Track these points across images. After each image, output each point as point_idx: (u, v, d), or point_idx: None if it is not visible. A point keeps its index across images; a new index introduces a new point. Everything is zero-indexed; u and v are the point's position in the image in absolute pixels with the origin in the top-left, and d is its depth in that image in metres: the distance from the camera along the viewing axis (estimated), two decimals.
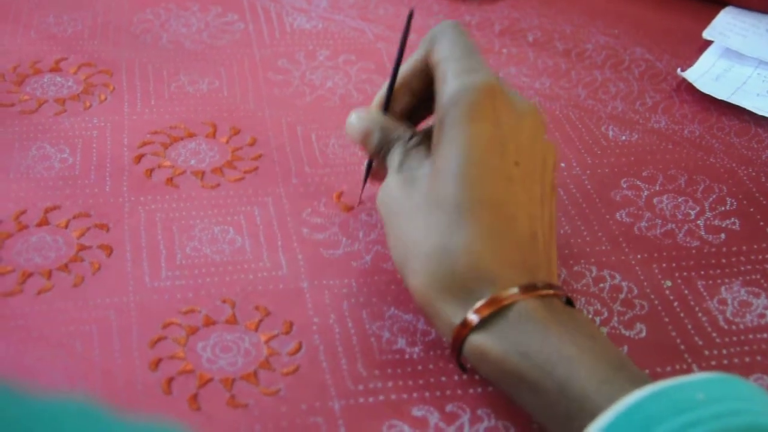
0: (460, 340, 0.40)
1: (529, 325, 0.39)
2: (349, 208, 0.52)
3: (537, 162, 0.44)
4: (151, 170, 0.54)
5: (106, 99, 0.60)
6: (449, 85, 0.43)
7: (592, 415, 0.35)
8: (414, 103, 0.49)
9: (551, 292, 0.40)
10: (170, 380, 0.42)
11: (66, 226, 0.50)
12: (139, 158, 0.55)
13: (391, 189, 0.44)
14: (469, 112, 0.42)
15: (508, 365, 0.39)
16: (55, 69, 0.63)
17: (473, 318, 0.39)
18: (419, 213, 0.42)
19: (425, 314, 0.42)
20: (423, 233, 0.41)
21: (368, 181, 0.50)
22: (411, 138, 0.45)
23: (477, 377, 0.43)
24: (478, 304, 0.40)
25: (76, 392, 0.41)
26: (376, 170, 0.50)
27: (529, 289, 0.40)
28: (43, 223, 0.50)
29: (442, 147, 0.42)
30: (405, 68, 0.48)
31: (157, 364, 0.43)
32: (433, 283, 0.41)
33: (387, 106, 0.48)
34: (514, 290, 0.40)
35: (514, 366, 0.38)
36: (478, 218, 0.41)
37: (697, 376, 0.35)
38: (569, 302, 0.42)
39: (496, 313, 0.39)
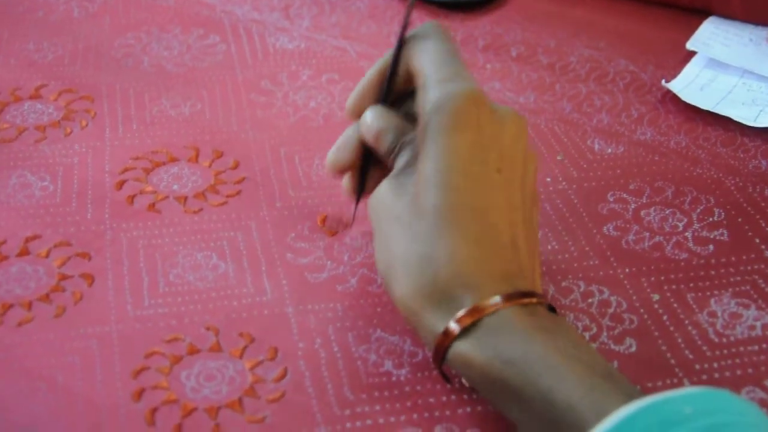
0: (442, 349, 0.40)
1: (513, 333, 0.38)
2: (334, 233, 0.52)
3: (518, 169, 0.44)
4: (133, 196, 0.53)
5: (87, 125, 0.60)
6: (432, 93, 0.43)
7: (578, 425, 0.35)
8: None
9: (533, 300, 0.40)
10: (154, 410, 0.41)
11: (47, 256, 0.49)
12: (120, 184, 0.54)
13: (382, 194, 0.44)
14: (452, 120, 0.42)
15: (492, 373, 0.38)
16: (36, 96, 0.62)
17: (455, 327, 0.39)
18: (404, 220, 0.42)
19: (409, 324, 0.42)
20: (407, 241, 0.41)
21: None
22: None
23: (465, 397, 0.42)
24: (460, 313, 0.39)
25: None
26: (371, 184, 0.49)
27: (511, 297, 0.40)
28: (24, 253, 0.49)
29: (425, 155, 0.42)
30: (382, 62, 0.47)
31: (140, 394, 0.42)
32: (416, 292, 0.40)
33: (385, 100, 0.47)
34: (496, 299, 0.39)
35: (498, 374, 0.38)
36: (459, 226, 0.41)
37: (685, 390, 0.34)
38: (552, 309, 0.42)
39: (478, 321, 0.39)
